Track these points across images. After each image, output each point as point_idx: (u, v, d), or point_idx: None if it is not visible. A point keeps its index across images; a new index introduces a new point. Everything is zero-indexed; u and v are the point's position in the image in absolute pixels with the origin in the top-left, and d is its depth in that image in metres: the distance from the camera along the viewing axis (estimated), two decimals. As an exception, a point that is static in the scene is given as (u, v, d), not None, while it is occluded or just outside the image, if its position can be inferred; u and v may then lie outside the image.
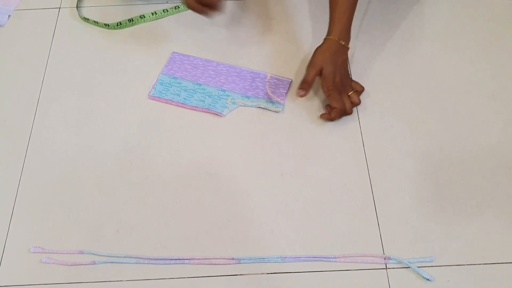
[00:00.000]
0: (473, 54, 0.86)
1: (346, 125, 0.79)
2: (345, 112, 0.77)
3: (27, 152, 0.78)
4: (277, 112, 0.80)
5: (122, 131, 0.80)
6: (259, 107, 0.81)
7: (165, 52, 0.88)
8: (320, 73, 0.76)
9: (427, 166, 0.75)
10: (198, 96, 0.82)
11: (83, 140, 0.79)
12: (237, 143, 0.78)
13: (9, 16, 0.94)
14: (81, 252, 0.69)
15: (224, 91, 0.82)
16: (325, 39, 0.77)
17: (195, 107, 0.81)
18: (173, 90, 0.83)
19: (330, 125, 0.79)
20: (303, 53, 0.87)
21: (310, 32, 0.89)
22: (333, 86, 0.76)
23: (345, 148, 0.77)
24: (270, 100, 0.81)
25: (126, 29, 0.92)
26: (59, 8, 0.95)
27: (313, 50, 0.77)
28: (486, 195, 0.72)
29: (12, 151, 0.78)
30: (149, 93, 0.83)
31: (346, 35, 0.77)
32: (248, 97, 0.82)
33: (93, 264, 0.68)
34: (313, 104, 0.81)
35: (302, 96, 0.78)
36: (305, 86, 0.77)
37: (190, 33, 0.91)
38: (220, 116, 0.80)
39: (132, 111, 0.82)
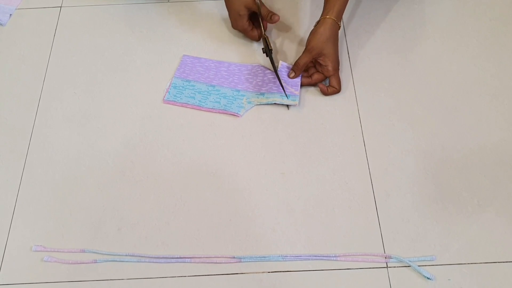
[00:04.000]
0: (475, 53, 0.86)
1: (347, 123, 0.79)
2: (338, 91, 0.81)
3: (29, 151, 0.78)
4: (294, 105, 0.80)
5: (123, 130, 0.80)
6: (274, 103, 0.80)
7: (166, 51, 0.88)
8: (316, 57, 0.78)
9: (428, 165, 0.75)
10: (213, 98, 0.82)
11: (85, 138, 0.79)
12: (238, 141, 0.78)
13: (10, 15, 0.94)
14: (83, 251, 0.69)
15: (238, 91, 0.82)
16: (322, 19, 0.78)
17: (211, 109, 0.81)
18: (188, 93, 0.82)
19: (331, 123, 0.79)
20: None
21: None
22: (337, 65, 0.79)
23: (346, 146, 0.77)
24: (284, 94, 0.80)
25: (126, 28, 0.91)
26: (60, 7, 0.95)
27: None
28: (487, 194, 0.72)
29: (14, 149, 0.78)
30: (164, 97, 0.82)
31: (341, 16, 0.79)
32: (263, 94, 0.81)
33: (94, 262, 0.68)
34: (314, 103, 0.81)
35: (292, 78, 0.81)
36: (296, 70, 0.80)
37: (191, 33, 0.91)
38: (237, 116, 0.80)
39: (133, 109, 0.82)
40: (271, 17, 0.83)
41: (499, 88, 0.82)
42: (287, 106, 0.80)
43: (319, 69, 0.80)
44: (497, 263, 0.67)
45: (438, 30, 0.89)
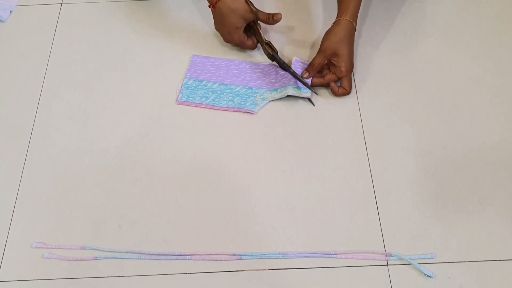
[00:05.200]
0: (475, 52, 0.86)
1: (348, 122, 0.79)
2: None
3: (29, 148, 0.78)
4: (306, 97, 0.79)
5: (124, 127, 0.80)
6: (288, 95, 0.80)
7: (167, 48, 0.88)
8: (330, 57, 0.78)
9: (429, 163, 0.75)
10: (226, 97, 0.81)
11: (85, 135, 0.79)
12: (239, 139, 0.78)
13: (11, 11, 0.94)
14: (83, 248, 0.69)
15: (251, 89, 0.82)
16: (337, 20, 0.78)
17: (226, 107, 0.80)
18: (201, 93, 0.82)
19: (332, 122, 0.79)
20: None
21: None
22: (351, 67, 0.78)
23: (346, 144, 0.77)
24: (297, 86, 0.79)
25: (126, 26, 0.91)
26: (61, 4, 0.95)
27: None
28: (487, 192, 0.72)
29: (14, 146, 0.78)
30: (177, 98, 0.82)
31: (356, 17, 0.78)
32: (276, 90, 0.81)
33: (95, 259, 0.68)
34: (315, 101, 0.81)
35: (306, 78, 0.80)
36: (310, 70, 0.79)
37: (192, 31, 0.90)
38: (252, 113, 0.80)
39: (133, 107, 0.82)
40: (273, 17, 0.81)
41: (499, 88, 0.82)
42: (308, 99, 0.80)
43: (332, 70, 0.80)
44: (497, 261, 0.67)
45: (439, 28, 0.89)
